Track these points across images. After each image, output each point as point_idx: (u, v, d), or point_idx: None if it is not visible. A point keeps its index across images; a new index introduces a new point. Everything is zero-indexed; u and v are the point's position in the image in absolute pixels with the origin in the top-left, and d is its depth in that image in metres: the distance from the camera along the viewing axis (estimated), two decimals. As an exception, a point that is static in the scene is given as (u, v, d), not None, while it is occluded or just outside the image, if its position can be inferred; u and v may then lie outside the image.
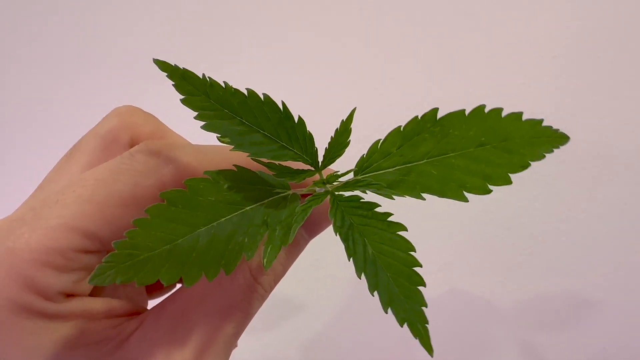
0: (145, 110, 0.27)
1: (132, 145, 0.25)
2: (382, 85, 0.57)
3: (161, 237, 0.20)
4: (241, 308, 0.24)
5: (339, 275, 0.51)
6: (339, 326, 0.50)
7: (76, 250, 0.21)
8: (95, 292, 0.24)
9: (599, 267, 0.50)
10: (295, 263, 0.26)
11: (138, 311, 0.24)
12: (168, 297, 0.24)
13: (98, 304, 0.23)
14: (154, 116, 0.27)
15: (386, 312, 0.19)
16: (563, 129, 0.20)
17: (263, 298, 0.25)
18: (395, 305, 0.19)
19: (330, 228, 0.26)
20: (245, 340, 0.49)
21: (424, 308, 0.19)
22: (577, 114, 0.52)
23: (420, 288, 0.20)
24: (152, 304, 0.27)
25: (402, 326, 0.19)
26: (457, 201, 0.21)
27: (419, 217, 0.50)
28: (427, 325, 0.19)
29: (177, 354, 0.22)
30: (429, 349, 0.19)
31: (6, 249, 0.20)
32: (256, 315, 0.25)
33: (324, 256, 0.51)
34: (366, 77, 0.58)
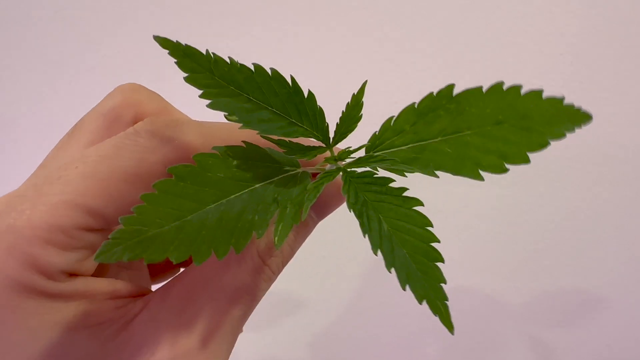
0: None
1: (135, 123, 0.25)
2: (394, 61, 0.56)
3: (170, 213, 0.19)
4: (249, 291, 0.23)
5: (344, 271, 0.51)
6: (344, 323, 0.50)
7: (79, 227, 0.20)
8: (98, 273, 0.23)
9: (605, 264, 0.50)
10: (300, 259, 0.26)
11: (142, 293, 0.23)
12: (173, 279, 0.23)
13: (102, 284, 0.22)
14: (158, 94, 0.26)
15: (404, 290, 0.19)
16: None
17: (271, 280, 0.24)
18: (413, 282, 0.19)
19: (336, 222, 0.26)
20: (249, 337, 0.48)
21: (442, 285, 0.19)
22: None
23: (439, 264, 0.19)
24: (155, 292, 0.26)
25: (420, 303, 0.19)
26: (468, 179, 0.21)
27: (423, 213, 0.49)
28: (446, 302, 0.19)
29: (183, 338, 0.21)
30: (449, 326, 0.18)
31: (7, 226, 0.19)
32: (260, 312, 0.24)
33: (330, 252, 0.51)
34: (379, 52, 0.57)
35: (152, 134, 0.22)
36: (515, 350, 0.49)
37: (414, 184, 0.24)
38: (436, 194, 0.51)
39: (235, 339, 0.23)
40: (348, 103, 0.22)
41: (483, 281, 0.50)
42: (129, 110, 0.25)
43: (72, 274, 0.21)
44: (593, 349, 0.48)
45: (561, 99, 0.20)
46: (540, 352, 0.48)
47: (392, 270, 0.19)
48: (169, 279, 0.24)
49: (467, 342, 0.49)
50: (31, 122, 0.61)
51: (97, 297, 0.22)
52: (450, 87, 0.21)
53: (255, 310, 0.24)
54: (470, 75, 0.55)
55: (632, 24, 0.54)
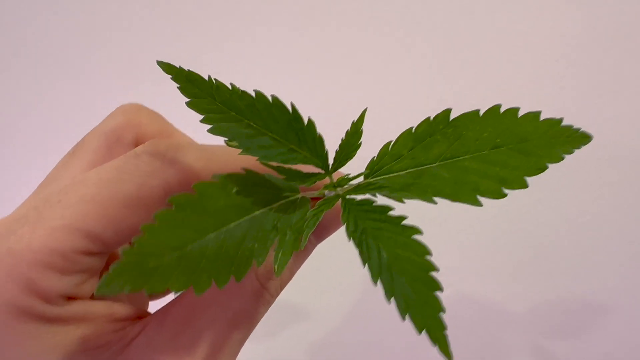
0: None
1: (136, 145, 0.25)
2: (391, 85, 0.57)
3: (170, 244, 0.19)
4: (248, 314, 0.23)
5: (343, 280, 0.51)
6: (343, 331, 0.50)
7: (78, 251, 0.20)
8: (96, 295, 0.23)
9: (605, 269, 0.50)
10: (301, 268, 0.26)
11: (140, 315, 0.23)
12: (171, 301, 0.23)
13: (100, 307, 0.22)
14: (160, 115, 0.26)
15: (404, 320, 0.19)
16: None
17: (269, 303, 0.24)
18: (412, 311, 0.19)
19: (336, 233, 0.26)
20: (248, 346, 0.48)
21: (442, 314, 0.19)
22: (581, 116, 0.52)
23: (438, 293, 0.19)
24: (153, 306, 0.26)
25: (420, 333, 0.19)
26: (465, 204, 0.21)
27: (423, 220, 0.49)
28: (445, 331, 0.19)
29: None
30: (447, 355, 0.18)
31: (7, 249, 0.20)
32: (260, 321, 0.25)
33: (329, 262, 0.51)
34: (376, 78, 0.57)
35: (153, 157, 0.22)
36: (515, 356, 0.48)
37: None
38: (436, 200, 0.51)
39: None
40: (347, 130, 0.22)
41: (483, 286, 0.50)
42: (130, 131, 0.25)
43: (71, 298, 0.21)
44: (594, 355, 0.48)
45: (559, 121, 0.20)
46: (541, 358, 0.48)
47: (392, 300, 0.19)
48: (168, 298, 0.24)
49: (467, 349, 0.49)
50: (31, 126, 0.61)
51: (96, 320, 0.22)
52: (447, 111, 0.21)
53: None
54: (464, 81, 0.55)
55: (632, 27, 0.54)
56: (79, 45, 0.63)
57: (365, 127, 0.22)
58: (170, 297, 0.24)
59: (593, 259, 0.50)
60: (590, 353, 0.48)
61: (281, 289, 0.24)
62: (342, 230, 0.22)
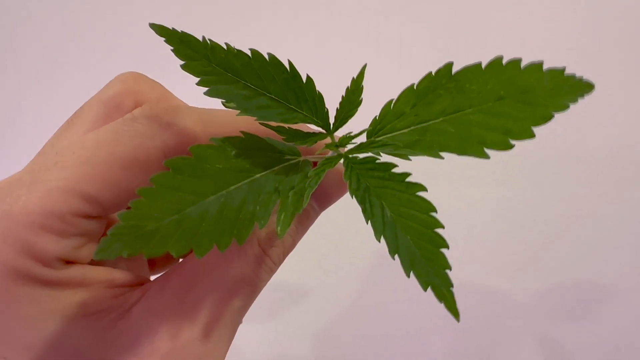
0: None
1: None
2: (391, 42, 0.56)
3: (168, 207, 0.19)
4: (249, 281, 0.23)
5: (349, 268, 0.50)
6: (347, 320, 0.50)
7: (76, 214, 0.20)
8: (95, 261, 0.23)
9: (612, 263, 0.49)
10: (304, 258, 0.25)
11: (140, 282, 0.23)
12: (172, 268, 0.23)
13: (99, 273, 0.22)
14: (158, 83, 0.26)
15: (408, 276, 0.18)
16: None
17: (272, 271, 0.24)
18: (417, 268, 0.18)
19: (338, 220, 0.25)
20: (252, 333, 0.48)
21: (447, 271, 0.18)
22: (589, 110, 0.51)
23: (444, 250, 0.19)
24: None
25: (425, 290, 0.18)
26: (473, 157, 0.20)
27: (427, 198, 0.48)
28: (451, 288, 0.18)
29: (183, 328, 0.21)
30: (454, 312, 0.18)
31: (2, 212, 0.19)
32: (265, 310, 0.24)
33: (334, 250, 0.50)
34: (375, 34, 0.56)
35: (151, 119, 0.21)
36: (523, 349, 0.48)
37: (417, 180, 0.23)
38: (438, 194, 0.50)
39: (236, 330, 0.23)
40: (348, 87, 0.21)
41: (489, 280, 0.49)
42: (129, 98, 0.25)
43: (69, 262, 0.21)
44: (602, 347, 0.48)
45: (562, 70, 0.20)
46: (548, 351, 0.48)
47: (396, 256, 0.19)
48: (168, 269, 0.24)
49: (474, 341, 0.48)
50: (34, 113, 0.61)
51: (95, 286, 0.21)
52: (449, 65, 0.20)
53: (258, 304, 0.24)
54: (477, 50, 0.54)
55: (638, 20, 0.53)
56: (80, 36, 0.63)
57: (365, 84, 0.21)
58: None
59: (599, 253, 0.49)
60: (598, 345, 0.48)
61: (284, 257, 0.24)
62: (349, 214, 0.22)
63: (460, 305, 0.18)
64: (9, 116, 0.61)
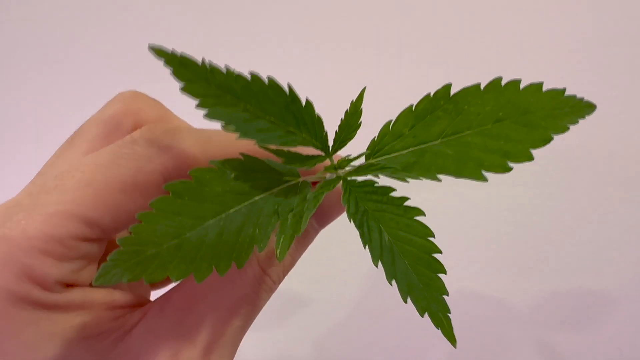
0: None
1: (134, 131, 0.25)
2: (389, 65, 0.56)
3: (168, 232, 0.19)
4: (249, 301, 0.23)
5: (350, 272, 0.50)
6: (350, 324, 0.50)
7: (75, 237, 0.20)
8: None
9: (615, 266, 0.48)
10: (306, 260, 0.25)
11: (140, 303, 0.23)
12: (172, 289, 0.23)
13: (99, 295, 0.22)
14: (159, 102, 0.26)
15: (405, 302, 0.18)
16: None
17: (271, 290, 0.24)
18: (414, 294, 0.18)
19: (340, 222, 0.25)
20: (255, 337, 0.48)
21: (445, 296, 0.18)
22: (599, 109, 0.50)
23: (441, 276, 0.19)
24: (154, 296, 0.26)
25: (422, 316, 0.18)
26: (471, 181, 0.20)
27: (429, 214, 0.48)
28: (449, 314, 0.18)
29: (184, 349, 0.21)
30: (451, 339, 0.18)
31: (2, 235, 0.19)
32: (266, 313, 0.24)
33: (335, 253, 0.50)
34: (374, 57, 0.56)
35: (150, 142, 0.22)
36: (522, 354, 0.47)
37: (418, 185, 0.23)
38: (442, 195, 0.50)
39: (236, 349, 0.23)
40: (347, 111, 0.21)
41: (489, 283, 0.49)
42: (128, 118, 0.25)
43: (69, 285, 0.21)
44: (603, 352, 0.47)
45: (562, 91, 0.19)
46: (549, 356, 0.47)
47: (393, 282, 0.19)
48: (169, 287, 0.24)
49: (474, 345, 0.48)
50: (33, 123, 0.62)
51: (95, 308, 0.21)
52: (447, 87, 0.20)
53: (262, 311, 0.24)
54: (476, 71, 0.54)
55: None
56: (79, 42, 0.63)
57: (364, 107, 0.21)
58: (172, 286, 0.24)
59: (602, 255, 0.48)
60: (599, 349, 0.47)
61: (284, 276, 0.24)
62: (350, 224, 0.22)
63: (461, 308, 0.18)
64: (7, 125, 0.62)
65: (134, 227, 0.19)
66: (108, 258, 0.18)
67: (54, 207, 0.20)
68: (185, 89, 0.20)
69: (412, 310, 0.19)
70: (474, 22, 0.56)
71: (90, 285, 0.22)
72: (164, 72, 0.21)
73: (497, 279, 0.49)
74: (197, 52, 0.21)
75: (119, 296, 0.23)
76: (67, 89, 0.62)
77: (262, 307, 0.24)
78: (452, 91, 0.20)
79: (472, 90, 0.20)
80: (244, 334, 0.23)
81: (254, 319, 0.23)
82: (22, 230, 0.20)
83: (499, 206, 0.50)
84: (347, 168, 0.22)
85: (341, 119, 0.21)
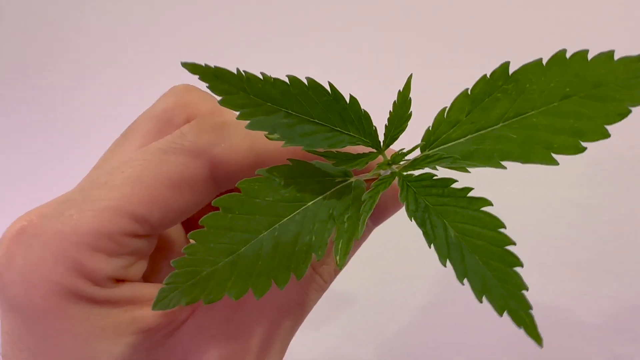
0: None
1: None
2: (435, 46, 0.53)
3: (222, 249, 0.19)
4: (299, 300, 0.22)
5: (399, 271, 0.48)
6: (404, 324, 0.48)
7: (125, 233, 0.20)
8: (145, 278, 0.23)
9: None
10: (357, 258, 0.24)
11: None
12: None
13: (149, 290, 0.22)
14: (211, 95, 0.25)
15: (480, 301, 0.17)
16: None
17: (322, 289, 0.23)
18: (490, 291, 0.17)
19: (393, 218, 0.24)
20: (304, 337, 0.47)
21: (524, 291, 0.17)
22: None
23: (517, 269, 0.17)
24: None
25: (501, 315, 0.17)
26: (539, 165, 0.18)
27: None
28: (530, 310, 0.17)
29: (232, 349, 0.21)
30: (536, 338, 0.16)
31: (55, 231, 0.20)
32: (313, 308, 0.23)
33: (385, 252, 0.49)
34: (410, 43, 0.54)
35: (198, 137, 0.21)
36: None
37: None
38: (492, 193, 0.47)
39: (285, 349, 0.23)
40: (395, 102, 0.20)
41: (544, 289, 0.46)
42: (181, 112, 0.25)
43: (119, 280, 0.21)
44: None
45: (637, 58, 0.17)
46: None
47: (465, 280, 0.17)
48: None
49: (544, 356, 0.45)
50: (102, 121, 0.62)
51: (144, 303, 0.21)
52: (505, 65, 0.19)
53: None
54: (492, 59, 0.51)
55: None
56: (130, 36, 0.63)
57: (412, 96, 0.20)
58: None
59: None
60: None
61: (335, 275, 0.23)
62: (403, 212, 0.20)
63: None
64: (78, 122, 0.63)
65: (188, 247, 0.18)
66: (165, 282, 0.18)
67: (104, 203, 0.20)
68: (224, 102, 0.19)
69: (475, 310, 0.18)
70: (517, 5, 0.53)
71: (140, 280, 0.22)
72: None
73: (551, 282, 0.46)
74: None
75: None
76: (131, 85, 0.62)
77: (311, 308, 0.23)
78: (511, 69, 0.19)
79: (534, 67, 0.18)
80: (294, 334, 0.23)
81: (304, 319, 0.23)
82: (73, 226, 0.20)
83: (559, 209, 0.47)
84: (402, 163, 0.21)
85: (390, 112, 0.20)
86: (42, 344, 0.20)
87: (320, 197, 0.20)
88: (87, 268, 0.20)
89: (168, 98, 0.25)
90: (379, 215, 0.23)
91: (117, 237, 0.20)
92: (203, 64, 0.19)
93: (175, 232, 0.26)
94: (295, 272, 0.19)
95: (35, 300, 0.19)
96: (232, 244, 0.19)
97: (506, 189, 0.47)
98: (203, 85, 0.25)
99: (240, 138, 0.22)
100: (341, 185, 0.21)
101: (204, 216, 0.19)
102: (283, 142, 0.20)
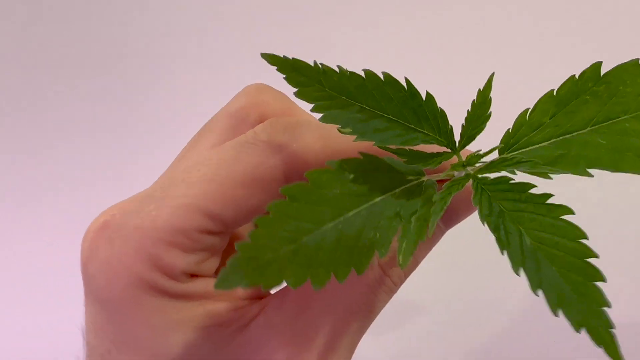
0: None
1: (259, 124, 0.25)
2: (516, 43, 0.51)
3: (284, 236, 0.18)
4: (368, 302, 0.22)
5: (468, 278, 0.46)
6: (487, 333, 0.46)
7: (199, 230, 0.21)
8: (218, 274, 0.23)
9: None
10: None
11: (260, 295, 0.23)
12: None
13: None
14: (284, 94, 0.26)
15: (556, 315, 0.16)
16: None
17: (392, 292, 0.23)
18: (567, 306, 0.16)
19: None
20: (371, 341, 0.45)
21: (606, 308, 0.15)
22: None
23: (599, 284, 0.16)
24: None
25: (578, 332, 0.15)
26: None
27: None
28: (612, 330, 0.15)
29: (302, 348, 0.21)
30: (617, 359, 0.15)
31: (135, 226, 0.20)
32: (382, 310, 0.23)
33: (457, 257, 0.47)
34: (489, 40, 0.52)
35: (272, 136, 0.22)
36: None
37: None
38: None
39: (353, 352, 0.22)
40: (473, 101, 0.19)
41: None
42: (254, 111, 0.25)
43: (193, 275, 0.22)
44: None
45: None
46: None
47: (540, 292, 0.16)
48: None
49: None
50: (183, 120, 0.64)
51: (216, 298, 0.22)
52: (597, 65, 0.18)
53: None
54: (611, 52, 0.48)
55: None
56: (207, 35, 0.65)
57: (493, 95, 0.19)
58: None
59: None
60: None
61: (405, 277, 0.23)
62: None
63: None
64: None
65: (252, 232, 0.18)
66: (227, 263, 0.18)
67: (181, 200, 0.21)
68: (299, 94, 0.20)
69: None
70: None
71: (213, 276, 0.22)
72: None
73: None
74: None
75: (240, 288, 0.22)
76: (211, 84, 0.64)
77: (380, 310, 0.22)
78: (603, 70, 0.17)
79: (629, 67, 0.17)
80: (361, 337, 0.22)
81: (372, 321, 0.22)
82: (152, 222, 0.20)
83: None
84: (477, 165, 0.20)
85: (467, 111, 0.19)
86: (120, 334, 0.21)
87: (389, 194, 0.20)
88: (164, 262, 0.20)
89: (242, 97, 0.26)
90: (451, 217, 0.22)
91: (192, 233, 0.21)
92: (282, 56, 0.20)
93: (247, 230, 0.27)
94: (356, 266, 0.19)
95: (116, 292, 0.20)
96: (295, 233, 0.18)
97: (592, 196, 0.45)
98: (274, 85, 0.26)
99: (313, 138, 0.22)
100: (412, 183, 0.20)
101: (271, 202, 0.19)
102: (355, 137, 0.20)
